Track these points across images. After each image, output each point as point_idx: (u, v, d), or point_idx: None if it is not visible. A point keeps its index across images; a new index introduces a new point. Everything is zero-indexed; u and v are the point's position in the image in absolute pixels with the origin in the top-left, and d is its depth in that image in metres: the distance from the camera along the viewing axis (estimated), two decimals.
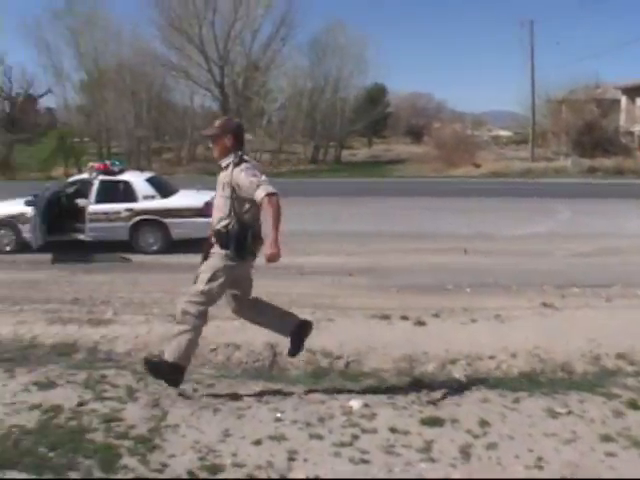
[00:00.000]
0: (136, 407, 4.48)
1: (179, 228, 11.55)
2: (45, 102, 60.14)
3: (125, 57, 44.46)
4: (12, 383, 4.99)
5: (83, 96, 48.19)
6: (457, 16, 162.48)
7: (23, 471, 3.64)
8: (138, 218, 11.59)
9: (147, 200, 11.67)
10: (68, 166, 39.21)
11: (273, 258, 4.44)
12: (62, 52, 45.95)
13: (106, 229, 11.65)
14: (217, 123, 4.89)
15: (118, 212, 11.60)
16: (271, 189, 4.49)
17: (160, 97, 46.76)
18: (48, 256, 11.26)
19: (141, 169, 18.35)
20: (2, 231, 11.98)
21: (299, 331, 5.07)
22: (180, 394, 4.77)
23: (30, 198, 11.64)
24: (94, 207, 11.64)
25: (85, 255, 11.35)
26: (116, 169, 12.36)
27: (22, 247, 11.74)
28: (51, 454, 3.82)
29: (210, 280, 4.61)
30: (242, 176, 4.54)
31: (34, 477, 3.58)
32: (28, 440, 4.00)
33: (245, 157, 4.70)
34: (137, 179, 12.12)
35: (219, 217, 4.70)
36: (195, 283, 4.68)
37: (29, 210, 11.34)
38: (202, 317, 4.68)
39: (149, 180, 12.25)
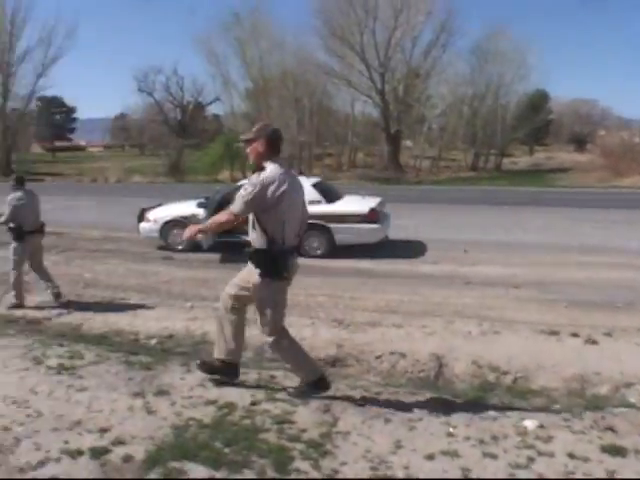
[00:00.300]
0: (307, 411, 4.51)
1: (343, 233, 11.63)
2: (212, 109, 63.51)
3: (289, 65, 46.02)
4: (189, 377, 5.22)
5: (248, 103, 50.49)
6: (623, 18, 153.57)
7: (201, 464, 3.75)
8: None
9: (312, 205, 11.76)
10: (233, 170, 40.91)
11: (186, 232, 4.87)
12: (230, 62, 48.72)
13: None
14: (254, 128, 4.78)
15: None
16: (235, 209, 4.53)
17: (322, 104, 47.86)
18: (217, 256, 11.70)
19: (306, 174, 18.66)
20: (175, 230, 12.57)
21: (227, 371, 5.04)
22: (351, 401, 4.76)
23: (202, 200, 12.16)
24: None
25: None
26: None
27: (194, 247, 12.28)
28: (227, 450, 3.92)
29: (262, 315, 4.70)
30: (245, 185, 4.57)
31: (212, 471, 3.69)
32: (205, 434, 4.14)
33: (266, 164, 4.59)
34: (303, 184, 12.24)
35: (249, 232, 4.73)
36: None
37: (201, 212, 11.84)
38: (283, 334, 4.79)
39: (315, 185, 12.37)
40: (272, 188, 4.45)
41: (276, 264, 4.57)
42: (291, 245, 4.70)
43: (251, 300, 4.80)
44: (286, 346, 4.78)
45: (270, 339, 4.75)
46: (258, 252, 4.62)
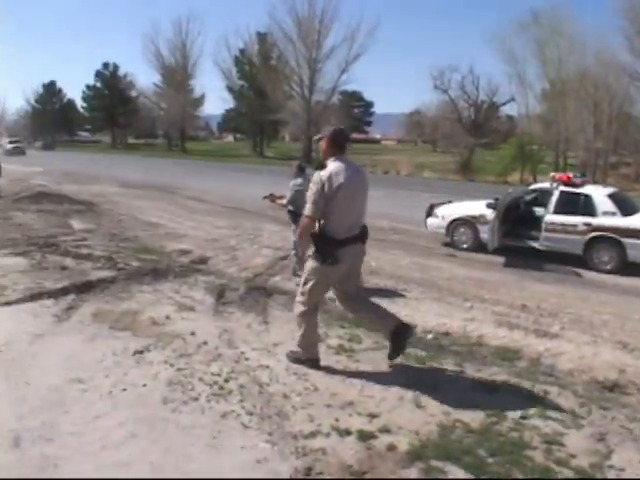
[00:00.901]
0: (579, 435, 4.26)
1: (638, 250, 10.83)
2: (506, 110, 62.40)
3: (589, 67, 43.20)
4: (461, 378, 5.24)
5: (544, 105, 48.56)
6: None
7: (463, 468, 3.74)
8: (594, 234, 11.13)
9: (606, 216, 11.12)
10: (524, 173, 39.84)
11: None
12: (527, 62, 47.31)
13: (561, 240, 11.46)
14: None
15: (575, 225, 11.30)
16: (308, 211, 4.98)
17: (622, 109, 44.33)
18: (500, 259, 11.50)
19: (602, 184, 17.57)
20: (462, 229, 12.65)
21: (399, 331, 5.33)
22: (629, 433, 4.39)
23: (491, 201, 12.00)
24: (551, 217, 11.52)
25: (537, 263, 11.34)
26: (578, 181, 12.06)
27: (477, 247, 12.22)
28: (490, 460, 3.86)
29: (304, 283, 5.21)
30: (310, 184, 5.08)
31: (472, 477, 3.65)
32: (470, 439, 4.12)
33: (329, 161, 5.09)
34: (598, 194, 11.63)
35: None
36: None
37: (489, 212, 11.75)
38: (307, 314, 5.24)
39: (611, 196, 11.66)
40: (329, 183, 4.92)
41: (324, 250, 5.01)
42: (344, 236, 5.04)
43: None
44: (307, 320, 5.25)
45: (302, 308, 5.23)
46: (313, 236, 5.06)
